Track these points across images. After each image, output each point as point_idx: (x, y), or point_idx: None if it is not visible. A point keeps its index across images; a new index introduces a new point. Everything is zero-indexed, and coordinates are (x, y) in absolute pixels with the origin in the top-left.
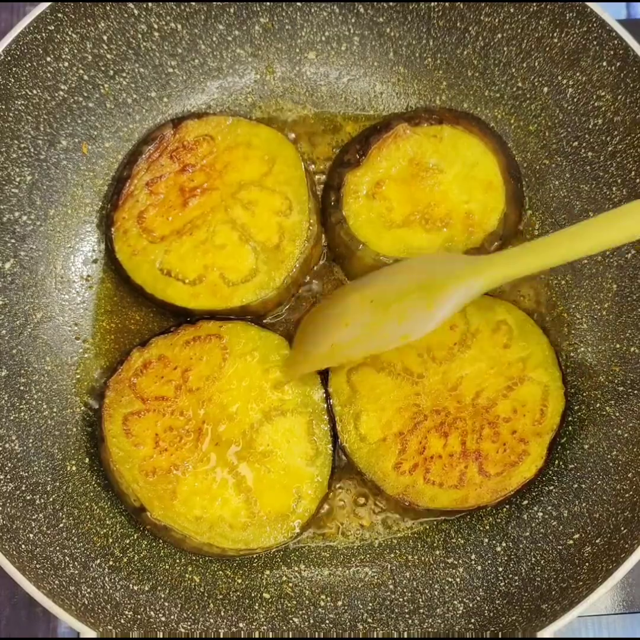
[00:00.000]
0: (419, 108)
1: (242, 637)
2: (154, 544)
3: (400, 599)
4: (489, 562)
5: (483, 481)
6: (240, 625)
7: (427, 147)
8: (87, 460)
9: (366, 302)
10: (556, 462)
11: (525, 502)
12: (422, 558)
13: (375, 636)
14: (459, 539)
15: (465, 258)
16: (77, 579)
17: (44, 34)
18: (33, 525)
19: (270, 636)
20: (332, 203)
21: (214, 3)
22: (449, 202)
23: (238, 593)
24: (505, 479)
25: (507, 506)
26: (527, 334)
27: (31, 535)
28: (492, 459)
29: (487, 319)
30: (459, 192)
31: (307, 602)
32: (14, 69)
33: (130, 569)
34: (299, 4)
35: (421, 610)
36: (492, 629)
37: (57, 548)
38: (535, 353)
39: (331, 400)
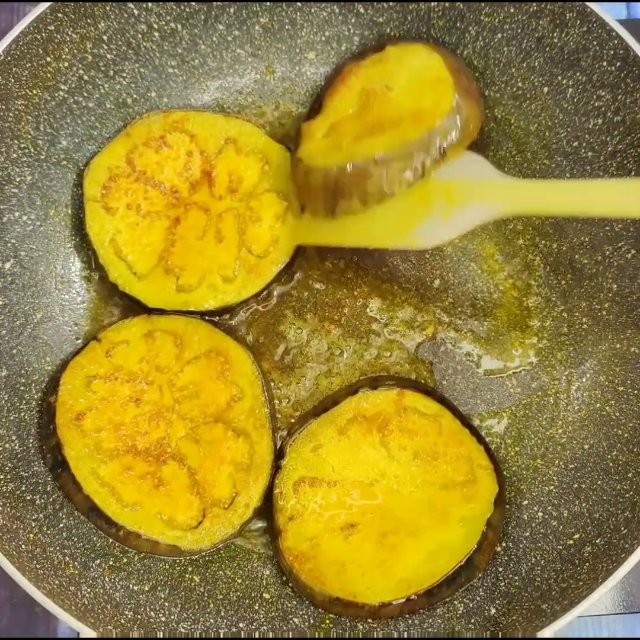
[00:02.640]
0: (367, 46)
1: (242, 637)
2: None
3: None
4: (489, 562)
5: None
6: (240, 625)
7: (374, 73)
8: None
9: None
10: (556, 461)
11: (526, 502)
12: None
13: (375, 636)
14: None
15: (496, 173)
16: (77, 579)
17: (44, 34)
18: (33, 525)
19: (270, 636)
20: (291, 151)
21: (214, 3)
22: (399, 109)
23: (238, 593)
24: None
25: (507, 506)
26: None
27: (31, 535)
28: None
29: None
30: (409, 98)
31: (307, 602)
32: (14, 69)
33: (130, 569)
34: (299, 4)
35: (421, 610)
36: (492, 629)
37: (57, 548)
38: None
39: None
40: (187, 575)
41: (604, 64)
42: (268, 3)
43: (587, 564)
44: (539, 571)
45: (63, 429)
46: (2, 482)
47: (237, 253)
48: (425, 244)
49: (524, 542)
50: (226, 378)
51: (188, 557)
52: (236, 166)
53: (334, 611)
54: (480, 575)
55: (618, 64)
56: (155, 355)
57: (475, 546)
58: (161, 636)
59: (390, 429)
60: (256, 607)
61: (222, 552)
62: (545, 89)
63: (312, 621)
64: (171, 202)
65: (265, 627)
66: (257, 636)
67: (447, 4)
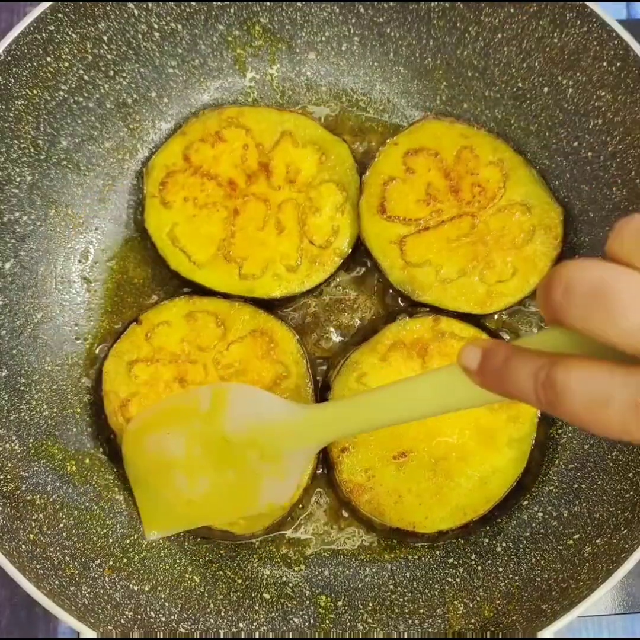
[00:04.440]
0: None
1: (242, 637)
2: (154, 544)
3: (400, 599)
4: (489, 562)
5: None
6: (240, 625)
7: None
8: (87, 460)
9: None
10: (556, 462)
11: (525, 502)
12: (422, 558)
13: (375, 636)
14: (459, 539)
15: (293, 409)
16: (77, 579)
17: (44, 34)
18: (33, 525)
19: (270, 636)
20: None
21: (214, 3)
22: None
23: (238, 593)
24: None
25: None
26: None
27: (31, 535)
28: None
29: None
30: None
31: (307, 602)
32: (14, 69)
33: (130, 569)
34: (299, 4)
35: (421, 610)
36: (492, 629)
37: (57, 548)
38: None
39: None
40: (187, 575)
41: (604, 64)
42: (268, 3)
43: (587, 564)
44: (539, 571)
45: (113, 419)
46: (2, 482)
47: (299, 243)
48: (280, 501)
49: (524, 542)
50: (272, 357)
51: (188, 557)
52: (293, 158)
53: (393, 538)
54: (528, 495)
55: (618, 64)
56: (197, 336)
57: (524, 468)
58: (161, 636)
59: (430, 354)
60: (256, 607)
61: (222, 551)
62: (545, 89)
63: (312, 621)
64: (228, 193)
65: (265, 627)
66: (257, 636)
67: (447, 4)
